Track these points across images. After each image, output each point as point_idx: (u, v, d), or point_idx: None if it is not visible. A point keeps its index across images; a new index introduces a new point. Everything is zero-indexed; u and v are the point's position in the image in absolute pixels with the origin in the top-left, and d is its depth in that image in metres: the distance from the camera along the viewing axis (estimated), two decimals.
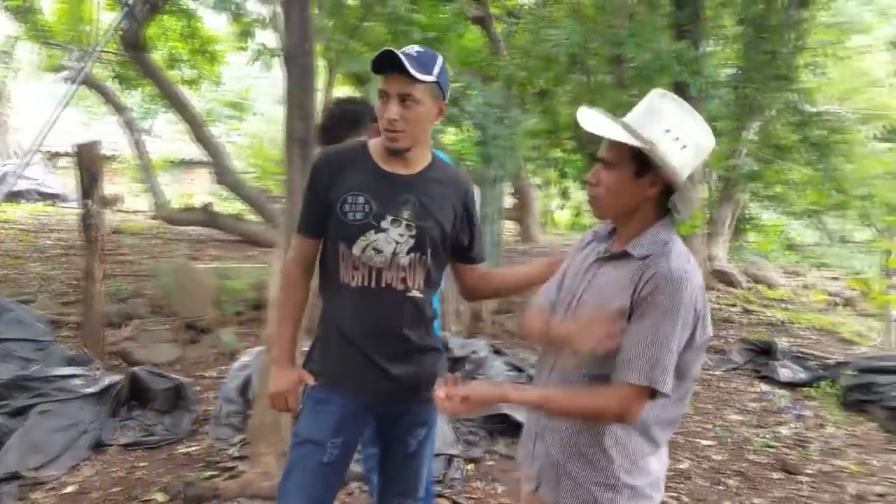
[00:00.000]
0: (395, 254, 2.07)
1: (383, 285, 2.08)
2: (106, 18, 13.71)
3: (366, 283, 2.08)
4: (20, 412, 3.94)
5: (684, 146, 1.74)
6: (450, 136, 8.71)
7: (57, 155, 20.80)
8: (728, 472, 4.43)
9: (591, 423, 1.77)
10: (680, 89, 8.12)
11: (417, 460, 2.29)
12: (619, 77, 7.23)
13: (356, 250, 2.06)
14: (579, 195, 8.17)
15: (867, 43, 13.26)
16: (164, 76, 11.08)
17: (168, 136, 25.69)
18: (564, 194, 7.91)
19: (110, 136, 24.68)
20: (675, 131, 1.74)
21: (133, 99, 18.12)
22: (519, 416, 4.60)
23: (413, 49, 1.99)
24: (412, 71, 1.93)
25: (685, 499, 3.98)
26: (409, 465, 2.29)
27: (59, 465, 3.77)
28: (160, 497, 3.55)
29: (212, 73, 15.90)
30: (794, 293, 11.22)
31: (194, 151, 25.41)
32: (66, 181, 20.04)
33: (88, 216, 4.88)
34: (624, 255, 1.80)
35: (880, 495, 4.19)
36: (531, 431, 1.98)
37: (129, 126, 12.59)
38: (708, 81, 7.23)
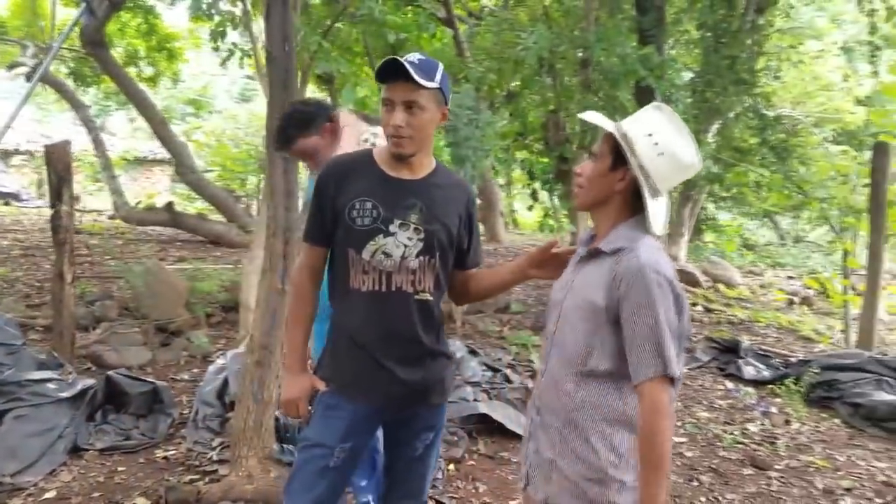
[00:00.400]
0: (404, 257, 2.10)
1: (393, 289, 2.10)
2: (62, 14, 13.46)
3: (376, 287, 2.10)
4: None
5: (661, 153, 1.85)
6: None
7: (10, 153, 20.27)
8: (701, 468, 4.54)
9: (667, 440, 1.77)
10: (645, 92, 8.30)
11: (424, 463, 2.32)
12: (585, 80, 7.34)
13: (366, 255, 2.08)
14: (546, 196, 8.26)
15: (820, 48, 13.67)
16: (124, 74, 10.88)
17: (122, 134, 25.29)
18: (534, 195, 8.01)
19: (63, 133, 24.20)
20: (656, 137, 1.85)
21: (87, 96, 17.80)
22: (497, 416, 4.66)
23: (415, 56, 2.02)
24: (417, 78, 1.95)
25: None
26: (415, 468, 2.31)
27: (37, 470, 3.69)
28: (141, 501, 3.51)
29: (170, 71, 15.71)
30: (752, 292, 11.47)
31: (149, 149, 25.11)
32: (20, 179, 19.59)
33: (58, 217, 4.79)
34: (598, 253, 1.90)
35: (847, 489, 4.33)
36: (526, 433, 2.04)
37: (87, 124, 12.32)
38: (672, 85, 7.37)
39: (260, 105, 21.54)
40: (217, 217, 12.13)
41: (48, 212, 14.17)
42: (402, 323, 2.13)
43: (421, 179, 2.16)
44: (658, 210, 1.89)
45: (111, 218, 12.70)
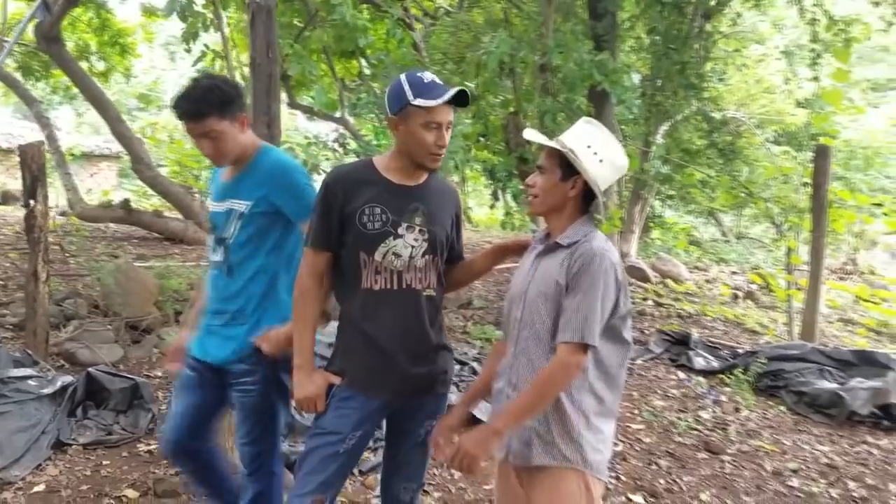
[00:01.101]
0: (411, 257, 2.29)
1: (404, 286, 2.29)
2: (13, 8, 13.19)
3: (388, 286, 2.28)
4: None
5: (601, 160, 2.20)
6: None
7: None
8: (658, 453, 4.82)
9: (557, 393, 2.12)
10: (600, 96, 8.60)
11: (424, 449, 2.51)
12: (544, 84, 7.58)
13: (378, 256, 2.26)
14: (508, 196, 8.50)
15: (763, 52, 14.22)
16: (80, 70, 10.75)
17: (67, 128, 24.75)
18: (495, 195, 8.24)
19: (4, 126, 23.56)
20: (594, 147, 2.20)
21: (35, 91, 17.42)
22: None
23: (435, 78, 2.22)
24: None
25: (624, 479, 4.33)
26: (418, 453, 2.51)
27: (22, 465, 3.76)
28: (131, 493, 3.62)
29: (123, 66, 15.50)
30: (699, 287, 11.92)
31: (94, 144, 24.63)
32: None
33: (32, 216, 4.82)
34: (556, 247, 2.22)
35: (794, 471, 4.66)
36: (500, 410, 2.26)
37: (40, 120, 12.10)
38: (625, 89, 7.67)
39: None
40: (173, 214, 12.05)
41: None
42: (412, 318, 2.32)
43: (420, 186, 2.35)
44: (602, 205, 2.26)
45: (63, 214, 12.50)
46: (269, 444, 2.69)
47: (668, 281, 12.10)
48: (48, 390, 4.20)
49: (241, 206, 2.52)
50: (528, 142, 8.15)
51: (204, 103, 2.43)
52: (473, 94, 2.18)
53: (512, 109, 8.06)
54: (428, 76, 2.23)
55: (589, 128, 2.25)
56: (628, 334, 2.22)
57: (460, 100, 2.22)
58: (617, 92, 7.61)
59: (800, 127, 12.17)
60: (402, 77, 2.26)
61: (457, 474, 4.19)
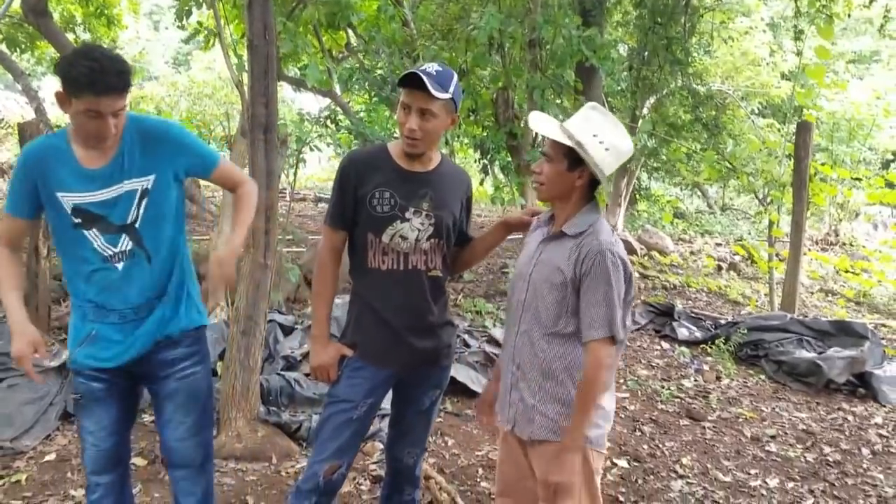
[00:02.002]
0: (417, 240, 2.43)
1: (409, 267, 2.44)
2: None
3: (394, 267, 2.43)
4: None
5: (607, 148, 2.25)
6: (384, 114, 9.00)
7: None
8: (642, 419, 5.03)
9: (603, 388, 2.25)
10: (588, 71, 8.70)
11: (429, 416, 2.70)
12: (534, 60, 7.66)
13: (385, 238, 2.41)
14: (497, 170, 8.61)
15: (749, 24, 14.28)
16: (67, 42, 10.68)
17: (51, 100, 24.58)
18: (485, 170, 8.37)
19: None
20: (600, 136, 2.25)
21: (20, 62, 17.26)
22: (461, 377, 5.04)
23: (433, 68, 2.31)
24: (432, 90, 2.26)
25: (609, 443, 4.51)
26: (422, 420, 2.69)
27: (32, 435, 3.92)
28: (139, 461, 3.78)
29: (109, 37, 15.39)
30: (684, 259, 12.11)
31: None
32: None
33: None
34: (561, 235, 2.32)
35: (772, 437, 4.88)
36: (507, 384, 2.44)
37: (28, 93, 12.02)
38: (612, 61, 7.78)
39: (197, 72, 21.18)
40: None
41: None
42: (417, 297, 2.47)
43: (430, 172, 2.48)
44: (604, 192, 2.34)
45: None
46: (211, 430, 2.62)
47: (654, 253, 12.28)
48: (54, 363, 4.32)
49: (143, 183, 2.29)
50: (518, 117, 8.28)
51: (127, 76, 2.15)
52: (462, 70, 2.24)
53: (501, 84, 8.13)
54: (430, 67, 2.32)
55: (594, 114, 2.29)
56: (629, 319, 2.35)
57: (414, 81, 2.28)
58: (605, 67, 7.72)
59: (784, 100, 12.31)
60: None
61: (450, 441, 4.38)
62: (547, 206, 2.53)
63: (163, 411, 2.47)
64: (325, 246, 2.53)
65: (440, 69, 2.33)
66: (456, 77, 2.39)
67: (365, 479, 3.78)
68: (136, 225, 2.30)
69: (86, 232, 2.26)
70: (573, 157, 2.25)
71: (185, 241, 2.47)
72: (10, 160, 18.87)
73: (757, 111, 14.73)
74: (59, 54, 11.72)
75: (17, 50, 14.18)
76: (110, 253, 2.29)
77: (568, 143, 2.22)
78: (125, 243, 2.29)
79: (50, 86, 25.93)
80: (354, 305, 2.55)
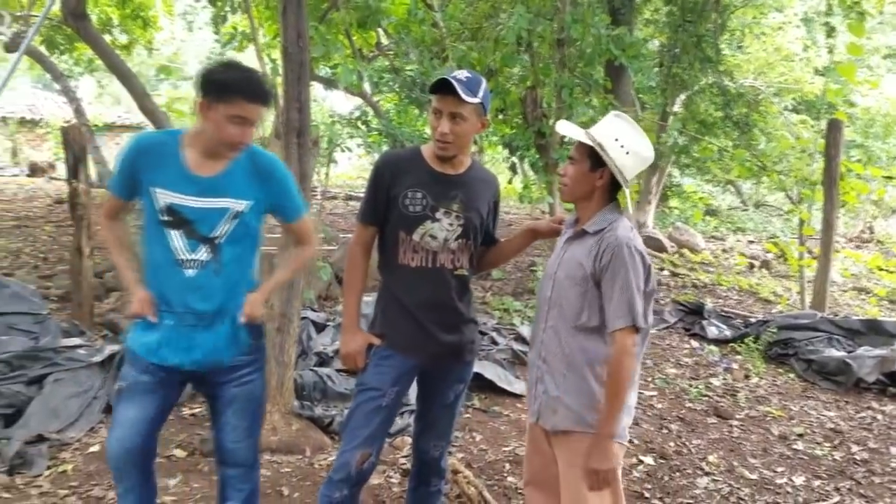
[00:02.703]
0: (446, 239, 2.54)
1: (438, 265, 2.55)
2: None
3: (423, 264, 2.54)
4: (35, 381, 4.22)
5: (628, 152, 2.37)
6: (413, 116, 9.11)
7: None
8: (670, 417, 5.07)
9: (630, 376, 2.32)
10: (618, 70, 8.72)
11: (453, 410, 2.80)
12: (562, 59, 7.71)
13: (416, 237, 2.51)
14: (526, 168, 8.67)
15: (782, 20, 14.15)
16: (106, 44, 10.96)
17: (87, 99, 25.07)
18: (513, 168, 8.43)
19: (27, 98, 23.91)
20: (621, 140, 2.37)
21: (59, 63, 17.67)
22: (489, 374, 5.13)
23: (463, 74, 2.42)
24: (462, 95, 2.36)
25: (636, 441, 4.58)
26: (447, 413, 2.78)
27: (77, 428, 4.08)
28: (179, 452, 3.93)
29: (145, 39, 15.71)
30: (715, 257, 12.07)
31: (116, 115, 24.94)
32: None
33: (76, 194, 5.10)
34: (583, 234, 2.43)
35: (799, 435, 4.90)
36: (533, 378, 2.55)
37: (68, 94, 12.38)
38: (640, 60, 7.80)
39: None
40: None
41: (26, 181, 14.29)
42: (443, 294, 2.58)
43: (461, 175, 2.58)
44: (626, 194, 2.45)
45: (93, 187, 12.82)
46: (260, 431, 2.70)
47: (685, 251, 12.25)
48: (97, 358, 4.51)
49: (239, 205, 2.41)
50: (546, 116, 8.33)
51: (271, 94, 2.36)
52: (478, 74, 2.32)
53: (529, 84, 8.20)
54: (461, 74, 2.43)
55: (617, 121, 2.41)
56: (650, 311, 2.43)
57: (446, 87, 2.38)
58: (634, 66, 7.74)
59: (818, 95, 12.20)
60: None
61: (478, 437, 4.48)
62: (571, 209, 2.62)
63: (220, 415, 2.54)
64: (356, 241, 2.66)
65: (470, 76, 2.43)
66: (485, 83, 2.49)
67: (395, 473, 3.89)
68: (219, 241, 2.39)
69: (171, 231, 2.35)
70: (595, 159, 2.37)
71: (255, 266, 2.55)
72: (51, 159, 19.37)
73: (790, 107, 14.58)
74: (96, 56, 12.03)
75: (57, 52, 14.58)
76: (186, 258, 2.36)
77: (590, 143, 2.35)
78: (203, 253, 2.38)
79: (87, 85, 26.47)
80: (382, 299, 2.66)
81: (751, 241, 13.81)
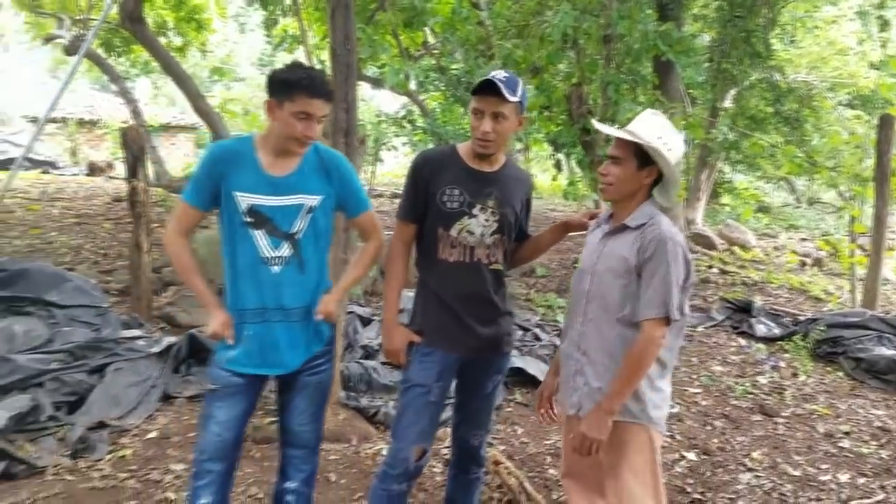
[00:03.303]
0: (482, 235, 2.62)
1: (475, 260, 2.63)
2: None
3: (461, 259, 2.63)
4: (97, 370, 4.44)
5: (670, 149, 2.43)
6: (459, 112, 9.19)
7: (45, 121, 20.75)
8: (714, 415, 5.06)
9: (650, 364, 2.38)
10: (665, 66, 8.68)
11: (491, 401, 2.88)
12: (608, 55, 7.71)
13: (453, 232, 2.60)
14: (572, 165, 8.70)
15: (836, 13, 13.85)
16: (162, 47, 11.29)
17: (143, 100, 25.78)
18: (557, 165, 8.47)
19: (86, 99, 24.69)
20: (664, 138, 2.43)
21: (115, 65, 18.21)
22: (531, 369, 5.20)
23: (502, 74, 2.49)
24: (505, 94, 2.44)
25: (679, 437, 4.60)
26: (485, 403, 2.87)
27: (137, 415, 4.27)
28: None
29: (199, 41, 16.11)
30: (766, 254, 11.90)
31: (171, 115, 25.59)
32: (53, 147, 20.15)
33: (135, 193, 5.31)
34: (624, 228, 2.48)
35: (846, 433, 4.85)
36: (570, 370, 2.60)
37: (126, 96, 12.80)
38: (689, 58, 7.74)
39: None
40: None
41: (86, 180, 14.76)
42: (480, 288, 2.66)
43: (496, 172, 2.66)
44: (673, 190, 2.51)
45: (151, 186, 13.23)
46: (324, 416, 2.83)
47: (736, 248, 12.11)
48: (155, 349, 4.71)
49: (312, 200, 2.54)
50: (591, 113, 8.33)
51: (332, 91, 2.49)
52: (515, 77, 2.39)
53: (575, 81, 8.22)
54: (499, 74, 2.49)
55: (656, 119, 2.47)
56: (687, 307, 2.48)
57: (492, 88, 2.46)
58: (681, 62, 7.70)
59: (873, 90, 11.92)
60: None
61: (520, 430, 4.55)
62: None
63: (291, 400, 2.67)
64: (396, 238, 2.75)
65: (508, 75, 2.51)
66: (522, 82, 2.55)
67: (438, 462, 3.98)
68: (298, 236, 2.53)
69: (254, 231, 2.48)
70: (642, 157, 2.42)
71: (327, 260, 2.68)
72: (109, 159, 19.99)
73: (845, 102, 14.27)
74: (152, 58, 12.40)
75: (114, 54, 15.06)
76: (271, 255, 2.50)
77: (643, 143, 2.39)
78: (285, 249, 2.52)
79: (143, 87, 27.21)
80: (421, 295, 2.75)
81: (803, 239, 13.56)
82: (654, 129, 2.43)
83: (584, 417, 2.43)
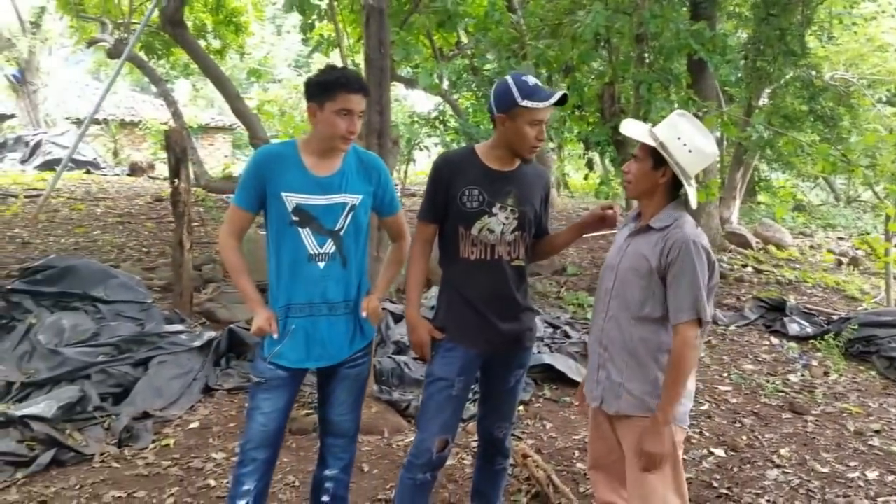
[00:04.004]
0: (503, 233, 2.72)
1: (496, 257, 2.73)
2: None
3: (482, 257, 2.72)
4: (141, 363, 4.63)
5: (690, 150, 2.48)
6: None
7: (83, 122, 21.29)
8: (743, 412, 5.09)
9: (692, 367, 2.44)
10: (698, 65, 8.67)
11: (513, 394, 2.97)
12: (640, 54, 7.75)
13: (474, 231, 2.70)
14: (606, 161, 8.74)
15: (875, 9, 13.64)
16: (201, 50, 11.56)
17: (182, 101, 26.27)
18: (589, 164, 8.52)
19: (128, 101, 25.23)
20: (684, 139, 2.48)
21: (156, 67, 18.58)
22: (560, 366, 5.28)
23: (538, 82, 2.60)
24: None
25: (707, 434, 4.65)
26: (508, 397, 2.96)
27: (179, 406, 4.45)
28: None
29: (237, 43, 16.42)
30: (802, 253, 11.79)
31: (210, 116, 26.03)
32: (96, 148, 20.64)
33: (177, 193, 5.50)
34: (647, 229, 2.54)
35: (876, 431, 4.85)
36: (594, 364, 2.69)
37: (167, 98, 13.11)
38: (723, 57, 7.73)
39: None
40: None
41: (128, 180, 15.12)
42: (502, 285, 2.75)
43: (514, 171, 2.75)
44: (692, 191, 2.55)
45: (194, 187, 13.53)
46: (362, 407, 2.94)
47: (771, 247, 12.01)
48: (197, 343, 4.89)
49: (354, 199, 2.66)
50: (623, 111, 8.38)
51: (367, 87, 2.63)
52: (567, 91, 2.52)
53: (607, 80, 8.26)
54: (532, 80, 2.60)
55: (679, 120, 2.51)
56: (711, 307, 2.53)
57: (561, 100, 2.60)
58: (714, 61, 7.70)
59: None
60: (509, 79, 2.62)
61: (549, 425, 4.64)
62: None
63: (332, 392, 2.79)
64: (417, 238, 2.85)
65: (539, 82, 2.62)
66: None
67: (467, 455, 4.09)
68: (341, 233, 2.65)
69: (300, 230, 2.61)
70: (657, 157, 2.48)
71: (366, 256, 2.82)
72: (150, 159, 20.43)
73: (884, 99, 14.04)
74: (191, 60, 12.69)
75: (155, 57, 15.41)
76: (317, 252, 2.62)
77: (652, 143, 2.47)
78: (330, 246, 2.64)
79: (182, 88, 27.74)
80: (444, 292, 2.85)
81: (840, 238, 13.40)
82: (674, 129, 2.48)
83: (643, 436, 2.48)
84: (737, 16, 11.19)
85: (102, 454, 3.83)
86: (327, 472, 2.89)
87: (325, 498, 2.89)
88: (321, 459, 2.93)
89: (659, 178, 2.51)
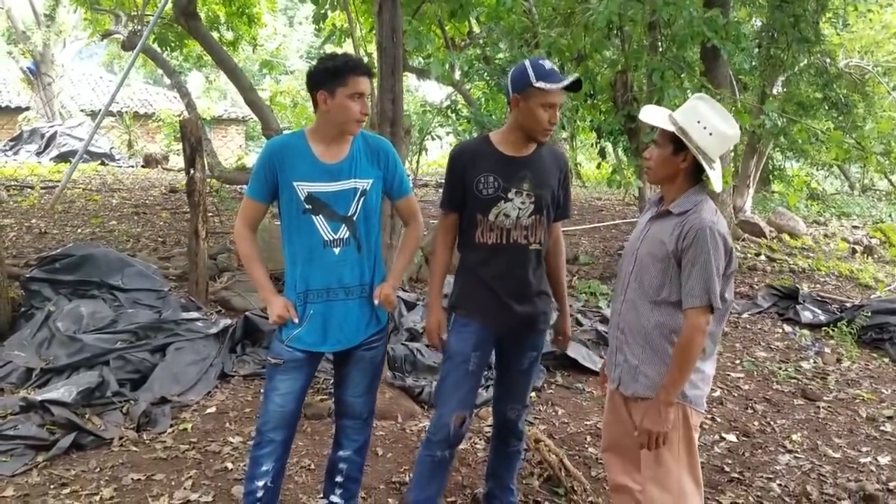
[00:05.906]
0: (519, 217, 2.77)
1: (512, 241, 2.78)
2: None
3: (499, 241, 2.77)
4: (159, 349, 4.70)
5: (711, 133, 2.48)
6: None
7: (96, 114, 21.43)
8: (756, 399, 5.11)
9: (699, 352, 2.46)
10: (711, 52, 8.63)
11: (528, 376, 3.02)
12: (653, 42, 7.72)
13: (491, 217, 2.75)
14: (619, 151, 8.73)
15: None
16: (215, 42, 11.59)
17: (195, 94, 26.37)
18: (602, 153, 8.52)
19: (140, 93, 25.39)
20: (703, 122, 2.48)
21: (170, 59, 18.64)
22: (572, 353, 5.31)
23: (554, 66, 2.64)
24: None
25: (719, 420, 4.67)
26: (521, 379, 3.02)
27: (196, 392, 4.50)
28: None
29: (250, 35, 16.45)
30: (816, 242, 11.72)
31: (223, 108, 26.15)
32: (110, 140, 20.78)
33: (193, 182, 5.56)
34: (667, 214, 2.57)
35: (889, 417, 4.86)
36: (613, 347, 2.73)
37: (181, 90, 13.18)
38: (737, 45, 7.69)
39: None
40: None
41: (142, 172, 15.24)
42: (517, 267, 2.81)
43: (529, 155, 2.80)
44: (716, 174, 2.55)
45: (207, 177, 13.61)
46: (377, 390, 3.00)
47: (784, 235, 11.95)
48: (213, 330, 4.95)
49: (364, 184, 2.70)
50: (636, 100, 8.36)
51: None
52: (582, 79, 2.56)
53: (620, 68, 8.24)
54: (548, 64, 2.65)
55: (698, 103, 2.52)
56: (730, 293, 2.57)
57: (575, 85, 2.65)
58: (727, 49, 7.67)
59: None
60: (527, 62, 2.68)
61: (561, 411, 4.67)
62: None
63: (347, 373, 2.85)
64: (440, 227, 2.95)
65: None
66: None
67: (480, 439, 4.14)
68: (354, 218, 2.70)
69: (314, 217, 2.65)
70: (677, 143, 2.49)
71: (379, 239, 2.86)
72: (164, 151, 20.54)
73: None
74: (205, 52, 12.73)
75: (168, 49, 15.46)
76: (331, 238, 2.67)
77: (671, 128, 2.48)
78: (343, 231, 2.69)
79: (195, 80, 27.85)
80: (461, 275, 2.91)
81: (855, 227, 13.30)
82: (693, 113, 2.49)
83: (644, 414, 2.52)
84: (750, 3, 11.10)
85: (121, 438, 3.89)
86: (341, 454, 2.95)
87: (338, 478, 2.95)
88: (336, 441, 2.99)
89: (679, 163, 2.52)
